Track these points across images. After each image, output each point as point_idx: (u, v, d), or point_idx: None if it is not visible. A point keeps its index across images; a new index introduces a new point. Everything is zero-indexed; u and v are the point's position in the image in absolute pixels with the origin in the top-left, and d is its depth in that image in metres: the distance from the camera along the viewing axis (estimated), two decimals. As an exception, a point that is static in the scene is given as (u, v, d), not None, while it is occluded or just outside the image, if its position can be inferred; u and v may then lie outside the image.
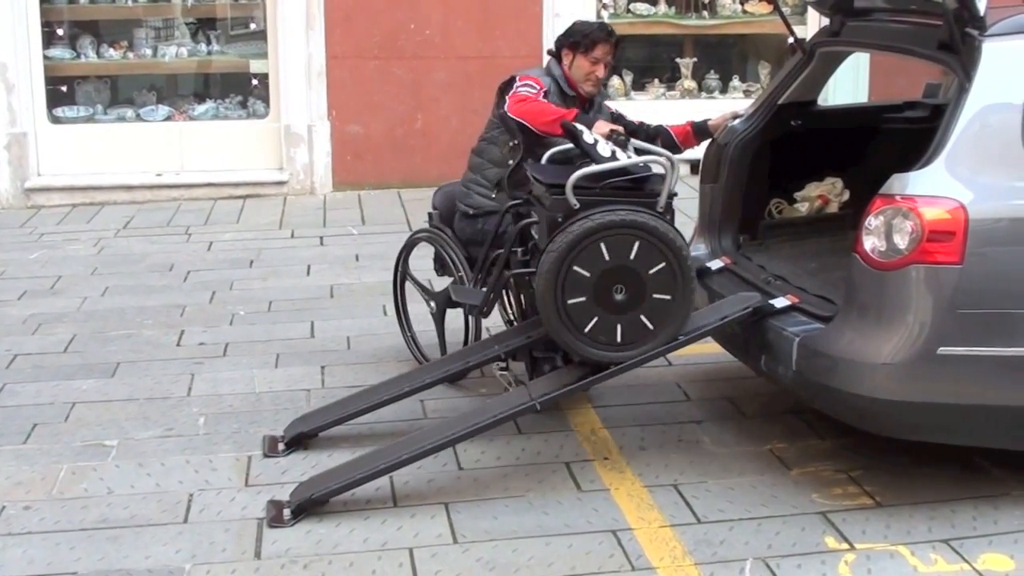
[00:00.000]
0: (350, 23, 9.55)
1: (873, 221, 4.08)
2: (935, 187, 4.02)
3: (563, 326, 4.37)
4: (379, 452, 4.47)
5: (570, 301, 4.33)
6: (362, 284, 7.24)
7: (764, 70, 10.77)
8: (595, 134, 4.65)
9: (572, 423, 5.10)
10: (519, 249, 4.85)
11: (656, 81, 10.69)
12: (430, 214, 5.69)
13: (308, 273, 7.50)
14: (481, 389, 5.45)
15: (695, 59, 10.64)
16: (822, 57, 5.22)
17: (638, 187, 4.53)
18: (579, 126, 4.68)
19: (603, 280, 4.31)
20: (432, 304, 5.63)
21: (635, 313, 4.35)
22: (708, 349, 5.38)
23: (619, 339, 4.38)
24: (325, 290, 7.13)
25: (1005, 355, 4.04)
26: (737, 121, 5.32)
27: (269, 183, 9.62)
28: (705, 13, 10.57)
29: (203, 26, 9.99)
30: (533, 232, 4.79)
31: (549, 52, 5.46)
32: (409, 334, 5.80)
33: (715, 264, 5.14)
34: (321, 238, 8.38)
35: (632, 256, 4.30)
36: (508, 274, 4.88)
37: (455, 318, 5.54)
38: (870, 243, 4.09)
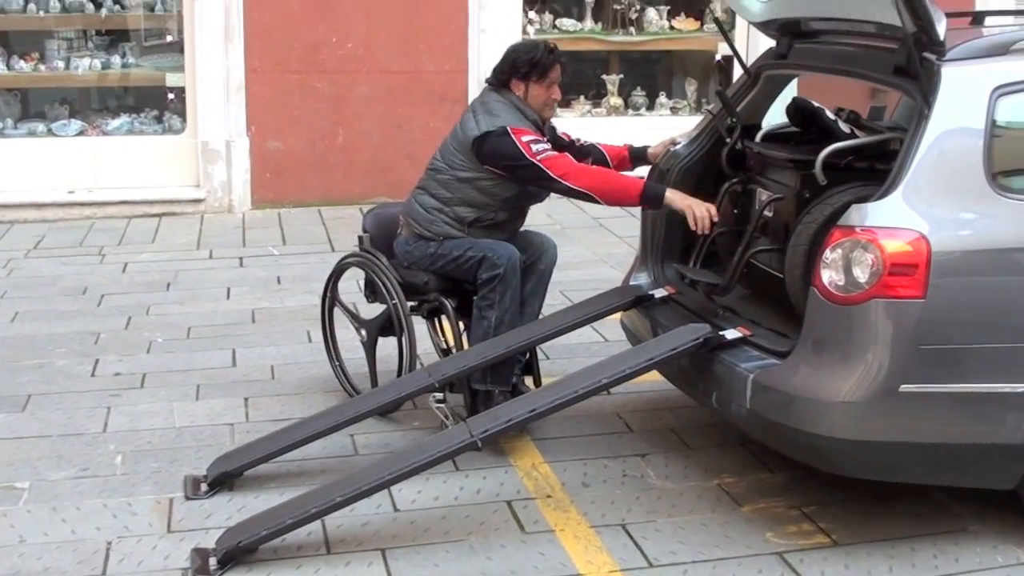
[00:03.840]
0: (270, 36, 9.26)
1: (831, 254, 3.92)
2: (895, 218, 3.87)
3: None
4: (310, 495, 4.20)
5: None
6: (285, 308, 6.96)
7: (691, 87, 10.69)
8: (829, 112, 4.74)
9: (511, 458, 4.88)
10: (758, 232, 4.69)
11: (582, 98, 10.55)
12: (360, 237, 5.44)
13: (228, 296, 7.20)
14: (414, 422, 5.22)
15: (621, 76, 10.53)
16: (768, 80, 5.07)
17: (870, 166, 4.47)
18: (815, 102, 4.79)
19: None
20: (363, 332, 5.39)
21: None
22: (648, 377, 5.13)
23: None
24: (246, 315, 6.84)
25: (969, 391, 3.90)
26: (680, 146, 5.15)
27: (185, 201, 9.28)
28: (632, 29, 10.46)
29: (117, 38, 9.63)
30: (764, 212, 4.64)
31: (490, 83, 5.15)
32: (338, 363, 5.54)
33: (659, 293, 4.95)
34: (241, 259, 8.07)
35: None
36: (751, 252, 4.66)
37: (385, 346, 5.31)
38: (828, 276, 3.92)
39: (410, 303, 5.17)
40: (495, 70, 5.16)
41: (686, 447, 5.01)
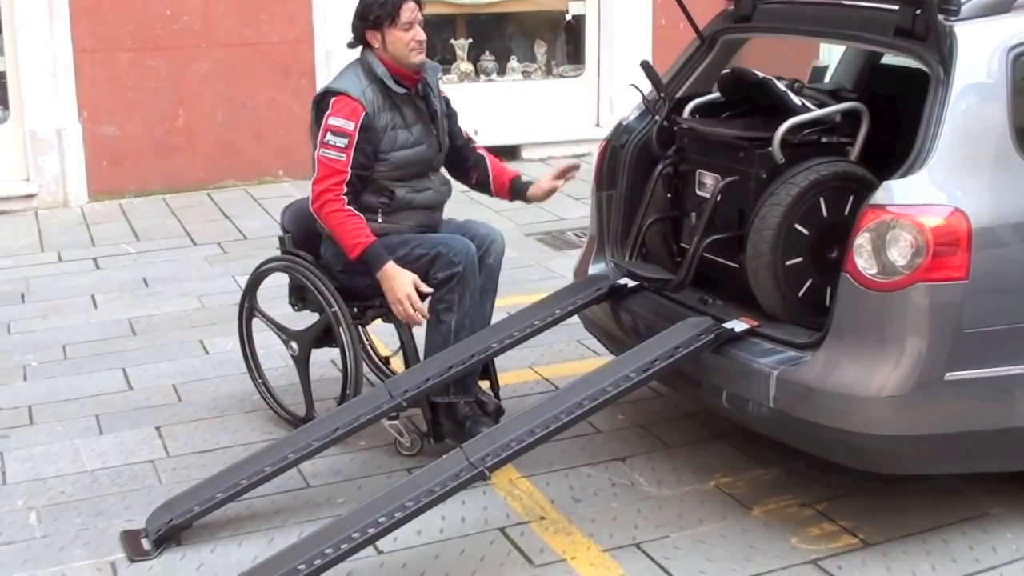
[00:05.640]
0: (99, 12, 8.44)
1: (863, 235, 3.58)
2: (926, 194, 3.57)
3: (776, 289, 4.04)
4: (289, 552, 3.59)
5: (788, 262, 3.97)
6: (164, 315, 6.29)
7: (541, 49, 10.31)
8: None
9: (482, 475, 4.42)
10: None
11: (430, 64, 10.02)
12: (281, 238, 4.84)
13: (95, 305, 6.47)
14: (360, 441, 4.67)
15: (470, 40, 10.05)
16: (725, 46, 4.70)
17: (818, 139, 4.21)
18: (759, 72, 4.41)
19: (821, 238, 3.98)
20: (293, 345, 4.80)
21: None
22: (589, 365, 4.74)
23: (828, 302, 3.93)
24: (123, 326, 6.13)
25: (1018, 372, 3.64)
26: (632, 119, 4.75)
27: (16, 197, 8.42)
28: (480, -10, 9.99)
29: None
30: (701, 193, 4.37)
31: (351, 46, 4.60)
32: (261, 381, 4.95)
33: (628, 282, 4.55)
34: (95, 260, 7.31)
35: (847, 211, 3.90)
36: (708, 241, 4.25)
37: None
38: (862, 261, 3.59)
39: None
40: (353, 28, 4.60)
41: (665, 446, 4.65)
